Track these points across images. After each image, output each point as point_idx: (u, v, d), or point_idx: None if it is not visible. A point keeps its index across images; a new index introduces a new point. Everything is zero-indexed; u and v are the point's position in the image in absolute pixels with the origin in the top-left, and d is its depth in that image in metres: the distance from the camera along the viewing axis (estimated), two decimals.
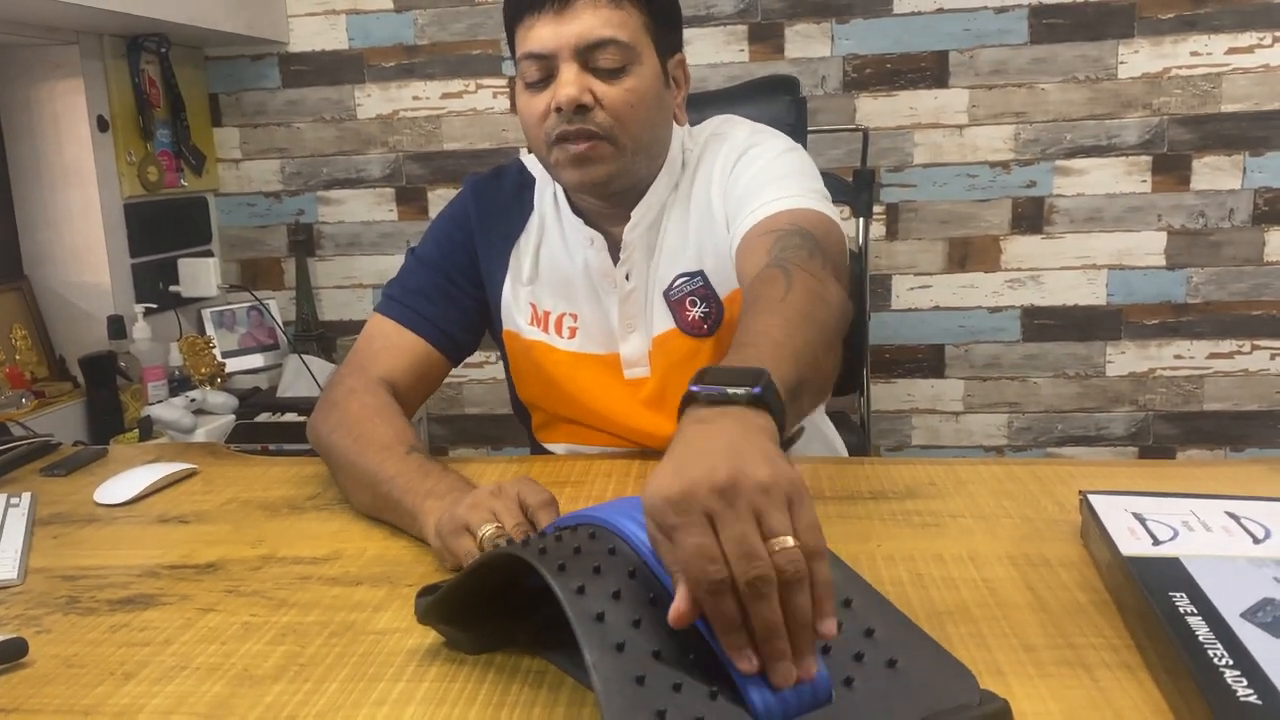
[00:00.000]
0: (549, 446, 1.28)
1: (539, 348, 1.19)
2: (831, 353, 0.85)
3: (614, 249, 1.15)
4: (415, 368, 1.16)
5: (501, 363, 1.27)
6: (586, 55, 1.03)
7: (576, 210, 1.16)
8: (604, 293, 1.17)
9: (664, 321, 1.16)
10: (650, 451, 1.17)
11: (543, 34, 1.03)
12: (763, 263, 0.95)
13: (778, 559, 0.53)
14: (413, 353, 1.16)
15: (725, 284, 1.13)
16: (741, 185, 1.10)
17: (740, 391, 0.64)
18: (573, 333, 1.19)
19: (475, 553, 0.79)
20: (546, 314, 1.19)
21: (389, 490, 0.94)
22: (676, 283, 1.15)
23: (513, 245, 1.20)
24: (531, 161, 1.22)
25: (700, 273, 1.14)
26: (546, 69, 1.04)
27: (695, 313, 1.14)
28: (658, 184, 1.13)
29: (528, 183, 1.22)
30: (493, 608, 0.70)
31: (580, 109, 1.03)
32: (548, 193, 1.20)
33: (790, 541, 0.53)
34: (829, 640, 0.55)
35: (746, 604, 0.52)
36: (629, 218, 1.13)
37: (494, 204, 1.21)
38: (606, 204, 1.13)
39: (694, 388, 0.66)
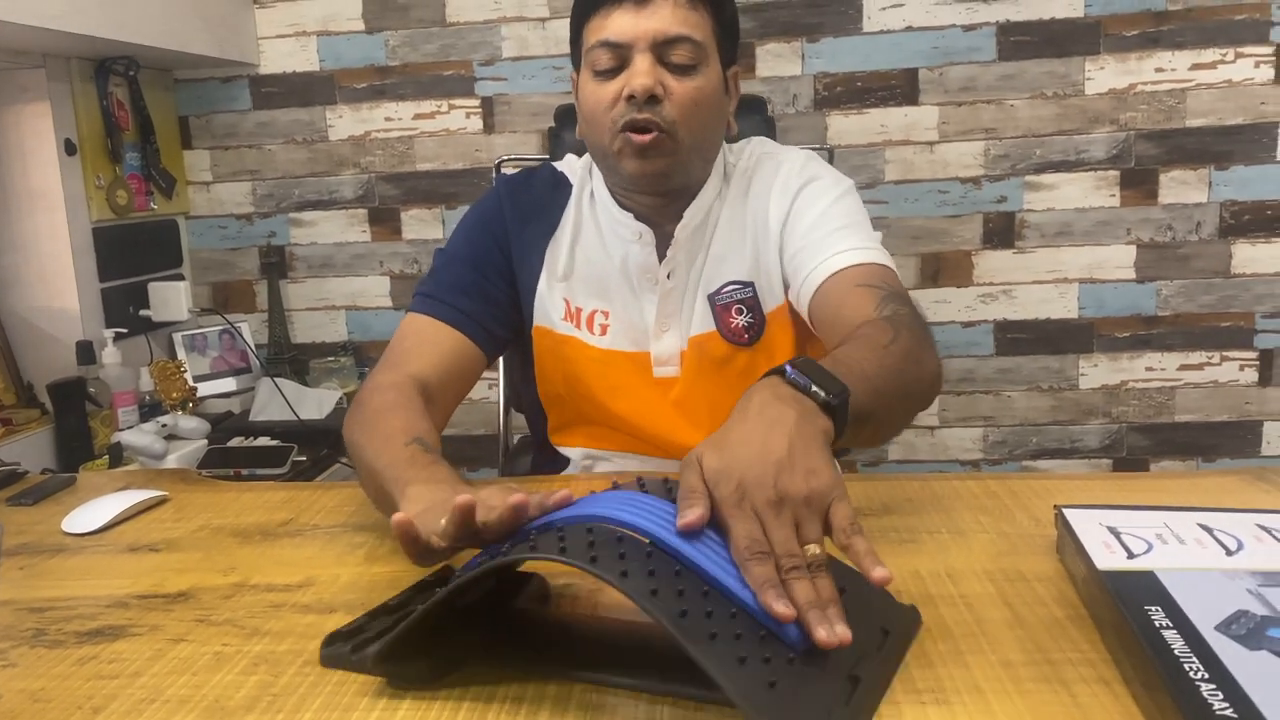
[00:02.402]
0: (564, 450, 1.28)
1: (571, 343, 1.21)
2: (907, 407, 0.94)
3: (658, 246, 1.18)
4: (450, 364, 1.13)
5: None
6: (661, 49, 1.08)
7: (624, 207, 1.18)
8: (641, 289, 1.19)
9: (704, 323, 1.18)
10: (664, 465, 1.17)
11: (621, 24, 1.07)
12: (872, 314, 1.01)
13: (807, 557, 0.65)
14: (448, 348, 1.14)
15: (770, 299, 1.18)
16: (808, 221, 1.14)
17: (820, 393, 0.76)
18: (604, 330, 1.20)
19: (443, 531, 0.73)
20: (579, 310, 1.21)
21: (381, 483, 0.90)
22: (726, 288, 1.18)
23: (548, 241, 1.21)
24: (566, 165, 1.26)
25: (751, 284, 1.18)
26: (619, 58, 1.09)
27: (740, 321, 1.18)
28: (707, 188, 1.17)
29: (561, 182, 1.24)
30: (435, 635, 0.68)
31: (651, 99, 1.06)
32: (585, 191, 1.23)
33: (817, 549, 0.66)
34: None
35: (786, 585, 0.63)
36: (678, 217, 1.16)
37: (528, 200, 1.23)
38: (659, 201, 1.16)
39: (786, 368, 0.77)
